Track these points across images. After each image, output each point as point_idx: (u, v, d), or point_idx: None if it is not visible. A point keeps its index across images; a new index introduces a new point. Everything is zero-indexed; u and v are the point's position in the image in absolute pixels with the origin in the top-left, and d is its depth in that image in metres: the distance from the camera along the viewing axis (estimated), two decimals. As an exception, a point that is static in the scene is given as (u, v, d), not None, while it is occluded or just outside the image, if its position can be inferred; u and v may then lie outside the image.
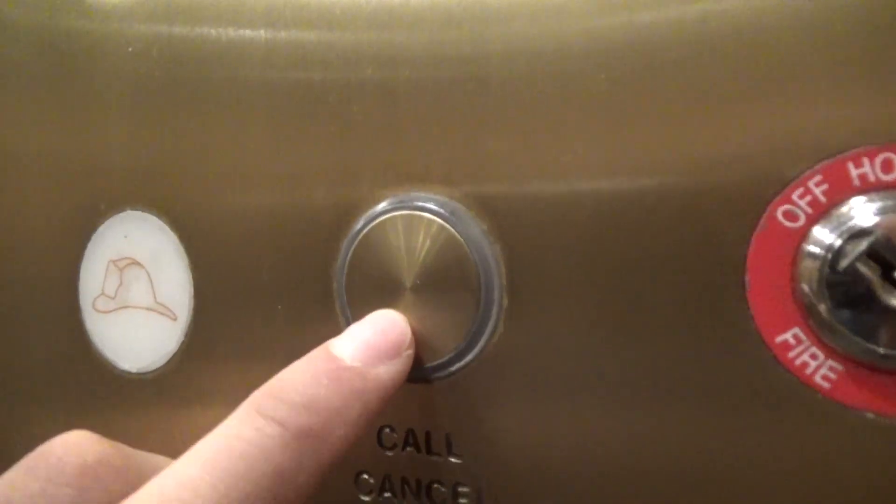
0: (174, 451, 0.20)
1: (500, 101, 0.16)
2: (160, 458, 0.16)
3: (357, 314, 0.17)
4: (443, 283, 0.16)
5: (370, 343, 0.15)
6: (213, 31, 0.20)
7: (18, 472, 0.14)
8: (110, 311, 0.21)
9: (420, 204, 0.17)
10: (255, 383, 0.19)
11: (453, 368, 0.17)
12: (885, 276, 0.13)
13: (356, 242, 0.17)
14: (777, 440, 0.14)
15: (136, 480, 0.14)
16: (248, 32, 0.19)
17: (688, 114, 0.15)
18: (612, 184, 0.15)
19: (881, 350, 0.13)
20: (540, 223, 0.16)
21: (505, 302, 0.16)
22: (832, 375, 0.13)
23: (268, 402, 0.14)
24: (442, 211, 0.17)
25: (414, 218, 0.17)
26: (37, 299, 0.22)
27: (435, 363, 0.17)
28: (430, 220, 0.17)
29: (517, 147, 0.16)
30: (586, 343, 0.16)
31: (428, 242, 0.17)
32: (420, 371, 0.17)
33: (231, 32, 0.19)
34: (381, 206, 0.17)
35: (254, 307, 0.19)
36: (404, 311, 0.17)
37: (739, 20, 0.14)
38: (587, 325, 0.16)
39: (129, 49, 0.20)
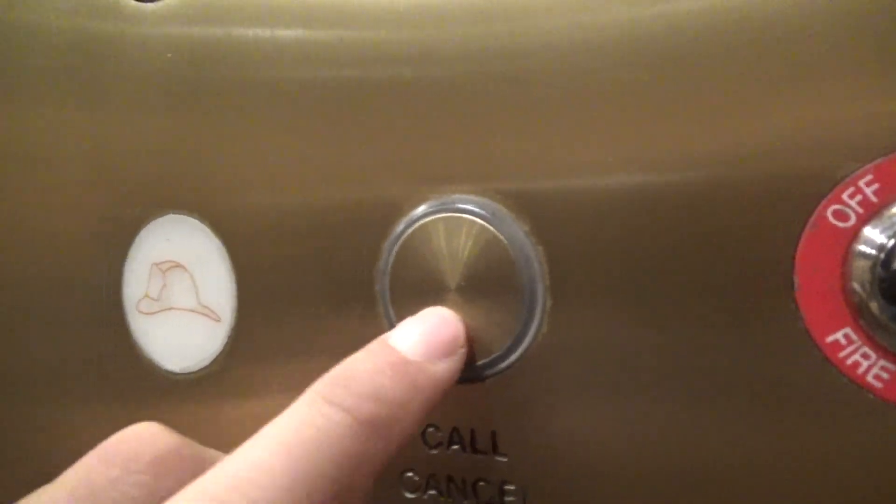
0: (222, 450, 0.21)
1: (541, 97, 0.16)
2: (223, 455, 0.17)
3: (401, 315, 0.17)
4: (487, 285, 0.17)
5: (428, 339, 0.15)
6: (248, 32, 0.20)
7: (96, 458, 0.15)
8: (154, 313, 0.22)
9: (462, 206, 0.17)
10: (299, 383, 0.20)
11: (498, 368, 0.17)
12: (941, 276, 0.13)
13: (398, 244, 0.18)
14: (828, 440, 0.14)
15: (203, 471, 0.14)
16: (284, 32, 0.19)
17: (733, 110, 0.15)
18: (655, 183, 0.15)
19: (936, 349, 0.13)
20: (582, 223, 0.16)
21: (549, 302, 0.16)
22: (884, 375, 0.13)
23: (334, 390, 0.14)
24: (484, 212, 0.17)
25: (456, 220, 0.17)
26: (81, 301, 0.23)
27: (480, 363, 0.17)
28: (472, 221, 0.17)
29: (558, 145, 0.16)
30: (631, 342, 0.16)
31: (470, 244, 0.17)
32: (466, 370, 0.17)
33: (266, 32, 0.20)
34: (423, 208, 0.18)
35: (297, 308, 0.19)
36: (453, 310, 0.17)
37: (785, 11, 0.14)
38: (632, 324, 0.16)
39: (168, 55, 0.21)
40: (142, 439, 0.15)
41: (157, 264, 0.22)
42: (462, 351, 0.16)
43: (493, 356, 0.17)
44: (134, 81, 0.21)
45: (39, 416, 0.24)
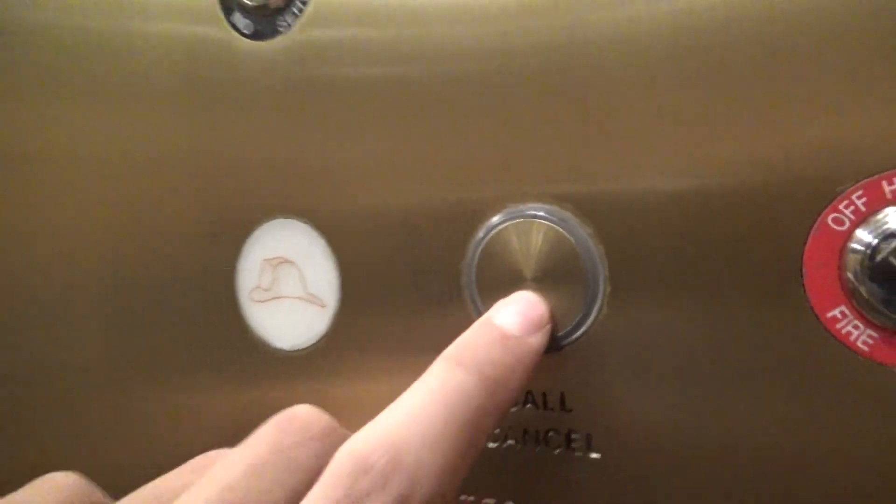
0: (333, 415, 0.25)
1: (604, 99, 0.20)
2: None
3: (486, 303, 0.22)
4: (557, 276, 0.21)
5: (523, 318, 0.20)
6: (347, 32, 0.24)
7: (277, 427, 0.19)
8: (265, 301, 0.26)
9: (536, 213, 0.21)
10: (395, 360, 0.24)
11: (566, 342, 0.21)
12: (912, 267, 0.17)
13: (483, 244, 0.22)
14: (829, 393, 0.18)
15: None
16: (379, 31, 0.23)
17: (762, 128, 0.19)
18: (694, 190, 0.20)
19: (908, 321, 0.17)
20: (635, 224, 0.20)
21: (608, 289, 0.21)
22: (870, 341, 0.18)
23: (462, 356, 0.18)
24: (554, 218, 0.21)
25: (531, 224, 0.21)
26: (198, 292, 0.27)
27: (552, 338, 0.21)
28: (544, 225, 0.21)
29: (618, 156, 0.20)
30: (674, 322, 0.20)
31: (542, 243, 0.21)
32: (540, 344, 0.21)
33: (362, 32, 0.23)
34: (502, 215, 0.22)
35: (393, 296, 0.24)
36: (528, 297, 0.21)
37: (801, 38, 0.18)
38: (675, 307, 0.20)
39: (276, 65, 0.25)
40: (308, 414, 0.20)
41: (267, 260, 0.26)
42: (548, 327, 0.20)
43: (563, 332, 0.21)
44: (244, 91, 0.25)
45: (163, 394, 0.28)
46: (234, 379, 0.27)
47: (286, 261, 0.25)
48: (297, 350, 0.25)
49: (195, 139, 0.26)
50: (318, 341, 0.25)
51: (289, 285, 0.25)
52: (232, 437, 0.23)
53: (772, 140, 0.19)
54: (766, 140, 0.19)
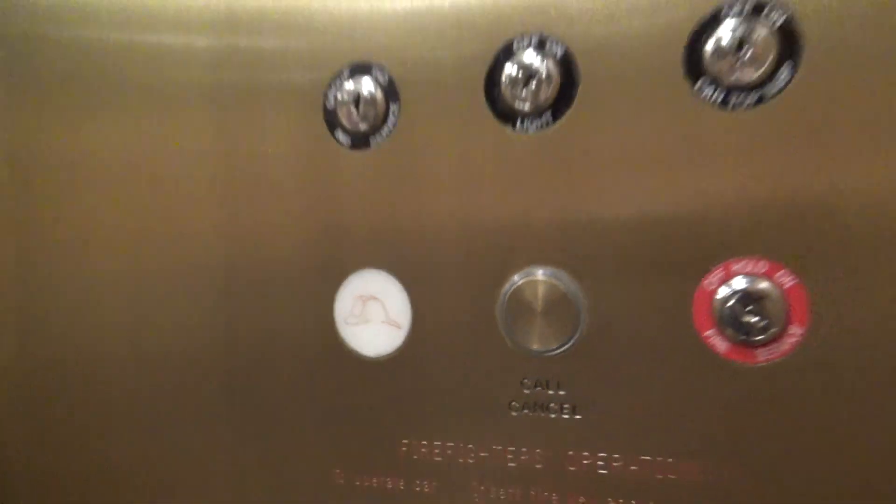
0: (405, 410, 0.38)
1: (598, 159, 0.35)
2: None
3: (510, 327, 0.35)
4: (557, 310, 0.35)
5: None
6: (427, 141, 0.37)
7: None
8: (356, 324, 0.38)
9: (543, 274, 0.35)
10: (448, 365, 0.37)
11: (561, 350, 0.35)
12: (744, 309, 0.32)
13: (509, 293, 0.36)
14: (704, 378, 0.34)
15: None
16: (456, 150, 0.36)
17: (675, 225, 0.34)
18: (640, 256, 0.34)
19: (743, 337, 0.32)
20: (605, 278, 0.35)
21: (587, 318, 0.35)
22: (726, 349, 0.33)
23: None
24: (554, 276, 0.35)
25: (538, 281, 0.35)
26: (303, 320, 0.39)
27: (551, 347, 0.35)
28: (547, 281, 0.35)
29: (601, 215, 0.35)
30: (622, 336, 0.35)
31: (546, 291, 0.35)
32: (544, 352, 0.35)
33: (440, 150, 0.37)
34: (521, 274, 0.36)
35: (448, 323, 0.37)
36: (538, 324, 0.35)
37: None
38: (623, 327, 0.35)
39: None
40: None
41: (359, 296, 0.38)
42: None
43: (558, 344, 0.35)
44: (344, 182, 0.38)
45: (273, 389, 0.39)
46: (331, 377, 0.39)
47: (373, 297, 0.38)
48: (380, 357, 0.38)
49: (310, 214, 0.38)
50: (395, 351, 0.38)
51: (374, 313, 0.38)
52: (330, 421, 0.36)
53: (677, 227, 0.34)
54: (677, 229, 0.34)
